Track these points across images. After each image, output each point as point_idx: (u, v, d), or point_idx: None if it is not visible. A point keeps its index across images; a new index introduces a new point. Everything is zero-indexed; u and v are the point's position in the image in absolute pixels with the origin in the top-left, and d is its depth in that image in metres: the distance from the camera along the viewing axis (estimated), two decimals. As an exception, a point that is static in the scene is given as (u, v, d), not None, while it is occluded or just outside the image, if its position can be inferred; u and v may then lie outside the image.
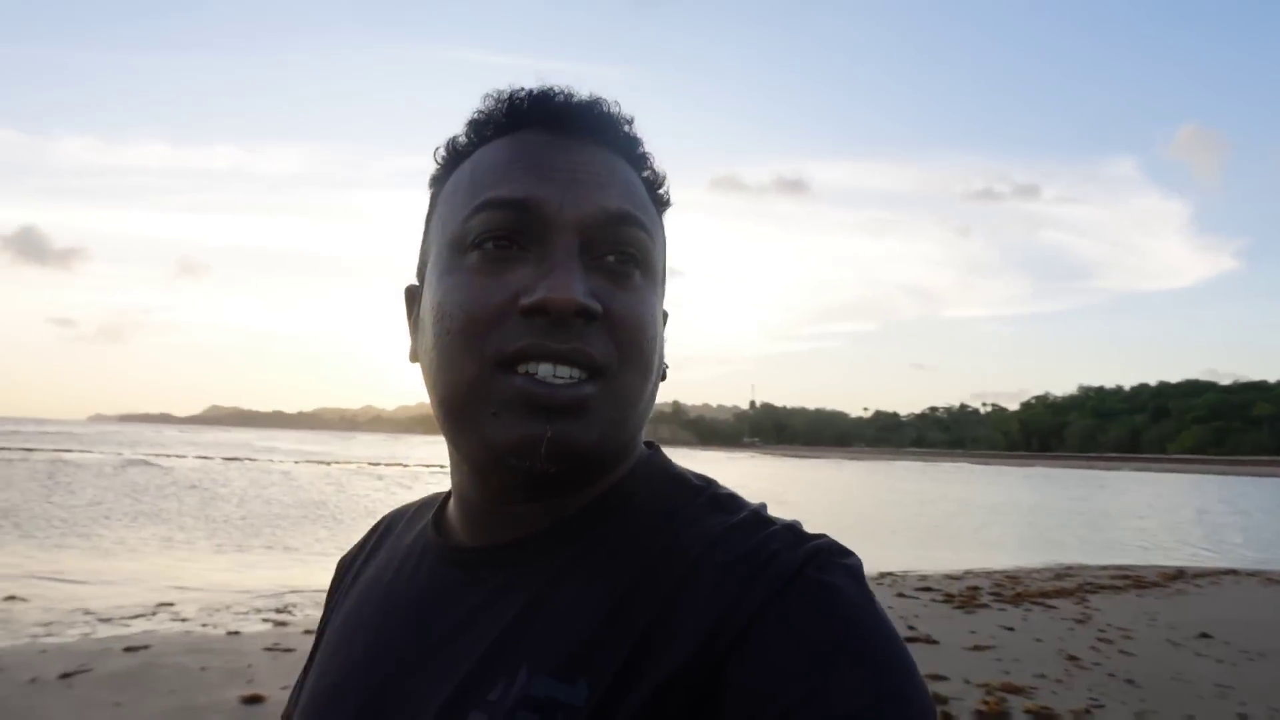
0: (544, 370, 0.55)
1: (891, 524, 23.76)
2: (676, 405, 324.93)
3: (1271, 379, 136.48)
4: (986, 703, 6.01)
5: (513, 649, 0.55)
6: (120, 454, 43.41)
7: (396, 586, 0.67)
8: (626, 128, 0.63)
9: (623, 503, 0.62)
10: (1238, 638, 8.40)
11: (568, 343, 0.55)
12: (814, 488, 42.41)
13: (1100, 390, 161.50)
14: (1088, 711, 5.90)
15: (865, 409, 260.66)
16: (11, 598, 8.54)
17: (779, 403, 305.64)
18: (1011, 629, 8.69)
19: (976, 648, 7.79)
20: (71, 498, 20.45)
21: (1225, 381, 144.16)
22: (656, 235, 0.62)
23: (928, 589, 11.31)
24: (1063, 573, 13.88)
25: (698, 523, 0.59)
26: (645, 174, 0.65)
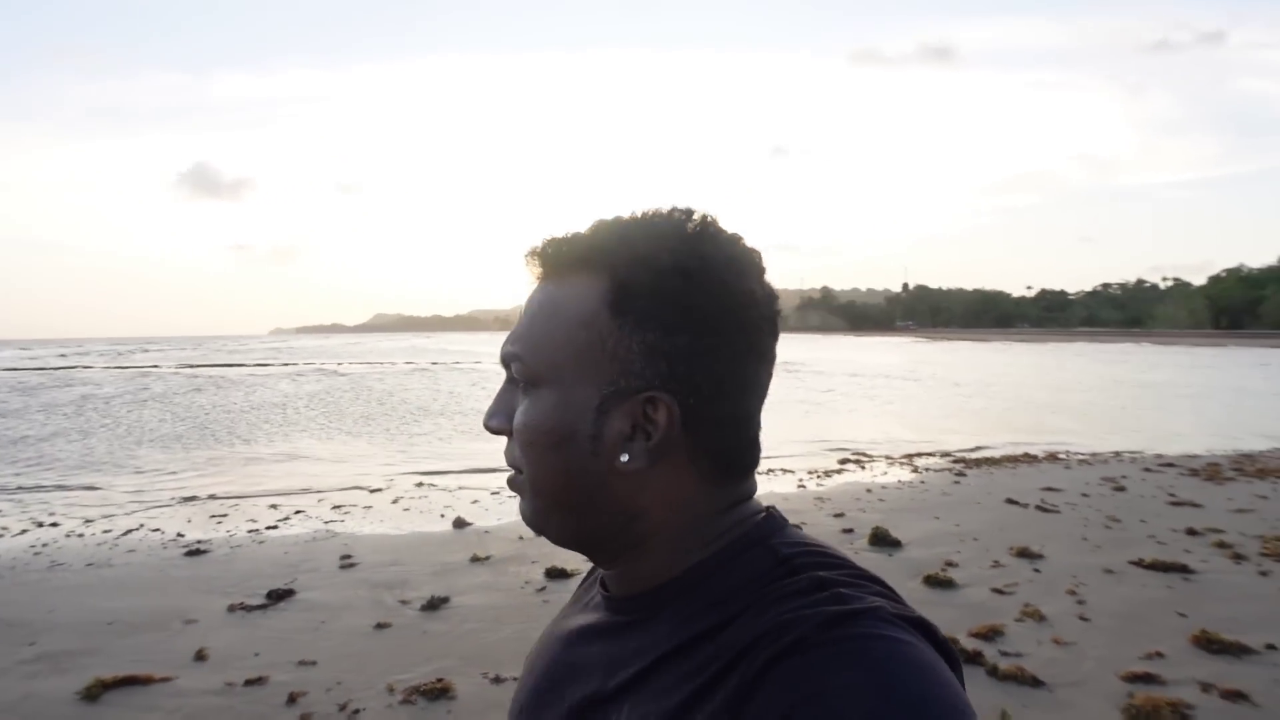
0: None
1: (1084, 407, 24.64)
2: (825, 290, 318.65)
3: None
4: (1266, 547, 7.84)
5: (621, 688, 0.66)
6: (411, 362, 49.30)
7: (572, 617, 0.82)
8: (578, 258, 0.70)
9: (707, 575, 0.68)
10: None
11: (507, 447, 0.73)
12: (973, 369, 42.83)
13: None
14: (1356, 553, 7.62)
15: (1029, 288, 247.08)
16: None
17: (934, 284, 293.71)
18: (1265, 497, 10.30)
19: (1239, 510, 9.51)
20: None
21: None
22: (538, 350, 0.69)
23: (1170, 465, 12.90)
24: (1298, 454, 14.97)
25: (762, 591, 0.64)
26: (609, 283, 0.67)
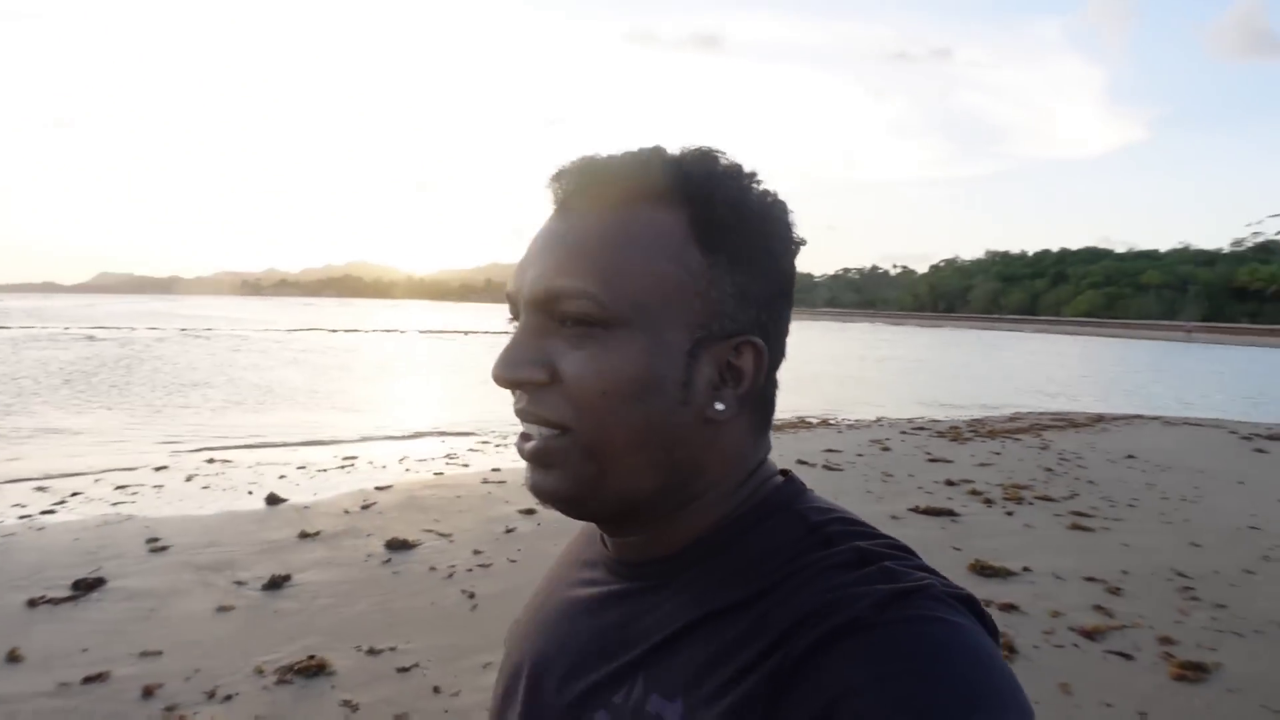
0: (525, 428, 0.64)
1: (843, 379, 27.44)
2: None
3: (1162, 248, 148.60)
4: (1007, 493, 9.33)
5: (634, 661, 0.62)
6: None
7: (573, 586, 0.76)
8: (626, 185, 0.62)
9: (732, 539, 0.64)
10: (1152, 458, 12.11)
11: (521, 404, 0.63)
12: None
13: (1006, 255, 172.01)
14: (1071, 496, 9.29)
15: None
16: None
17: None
18: (998, 453, 12.15)
19: (981, 464, 11.15)
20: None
21: (1120, 249, 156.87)
22: (615, 286, 0.60)
23: (921, 428, 14.79)
24: (1015, 416, 17.71)
25: (798, 562, 0.60)
26: (688, 213, 0.62)
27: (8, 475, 8.97)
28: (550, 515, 7.63)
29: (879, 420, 16.18)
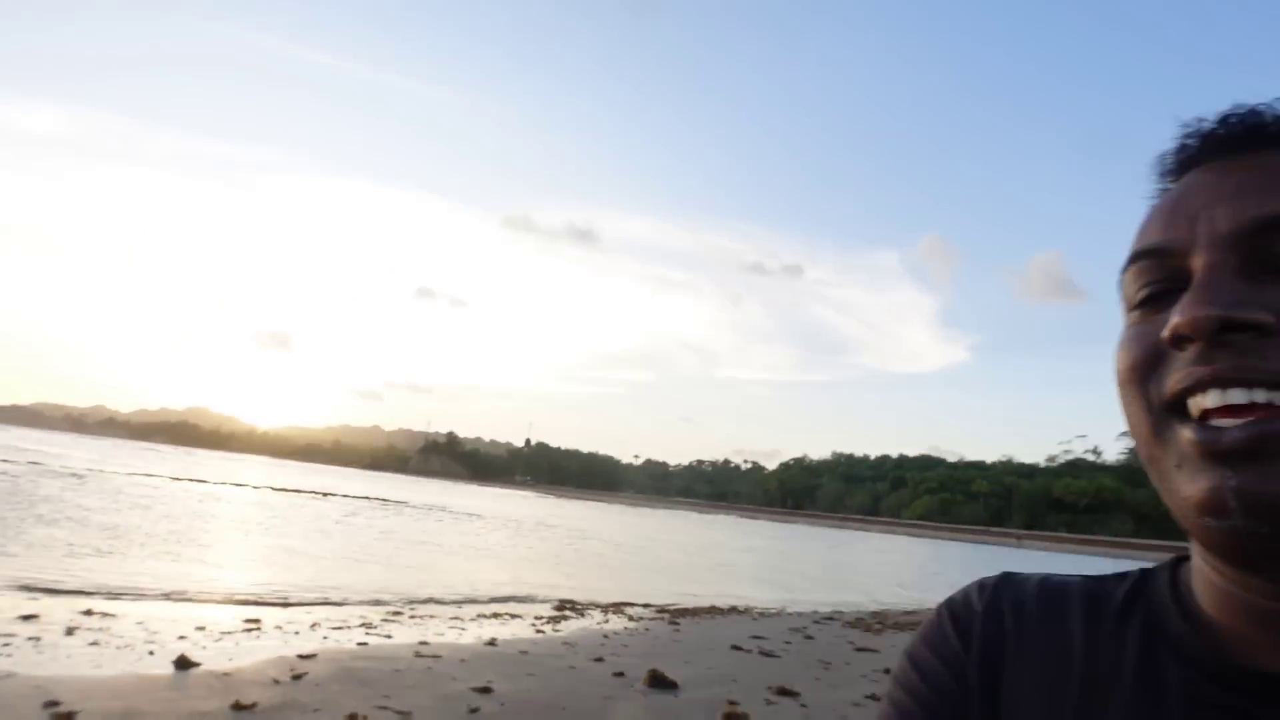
0: (1211, 399, 0.45)
1: (723, 567, 27.36)
2: (451, 436, 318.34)
3: (988, 459, 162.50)
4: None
5: None
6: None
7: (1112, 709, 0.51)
8: None
9: None
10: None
11: (1227, 361, 0.45)
12: (637, 533, 45.65)
13: (850, 457, 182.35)
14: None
15: (636, 456, 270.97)
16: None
17: (554, 442, 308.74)
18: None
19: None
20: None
21: (951, 459, 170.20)
22: None
23: (830, 618, 14.75)
24: (910, 611, 18.01)
25: None
26: None
27: None
28: (515, 694, 6.98)
29: (783, 609, 16.05)
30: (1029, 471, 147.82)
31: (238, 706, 5.67)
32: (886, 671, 9.65)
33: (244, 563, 14.98)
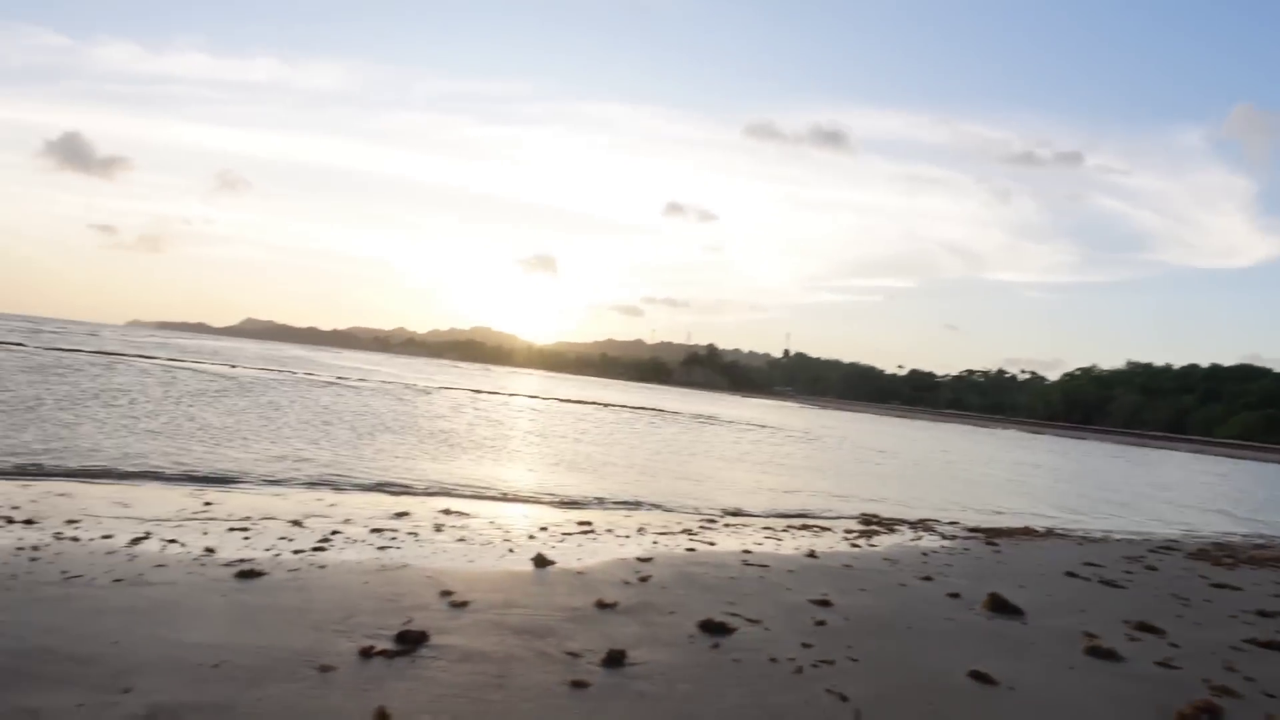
0: None
1: (1025, 485, 25.48)
2: (711, 348, 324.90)
3: None
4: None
5: None
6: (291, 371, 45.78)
7: None
8: None
9: None
10: None
11: None
12: (945, 452, 44.11)
13: (1149, 367, 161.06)
14: None
15: (900, 366, 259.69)
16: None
17: (812, 353, 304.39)
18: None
19: (1275, 595, 9.60)
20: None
21: (1278, 368, 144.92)
22: None
23: (1170, 549, 13.16)
24: (1266, 544, 15.69)
25: None
26: None
27: (261, 511, 8.85)
28: (854, 608, 6.87)
29: (1108, 534, 14.60)
30: None
31: (601, 605, 6.03)
32: (1261, 614, 8.37)
33: (556, 467, 16.25)
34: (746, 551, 8.74)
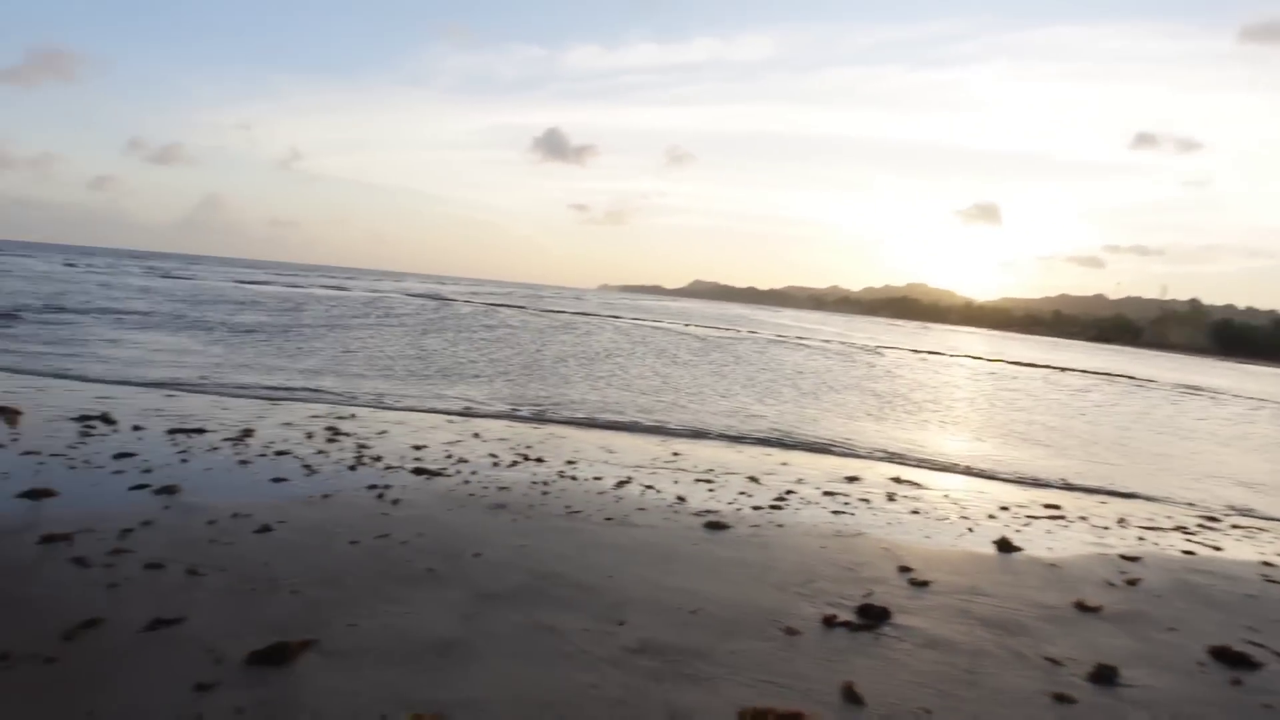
0: None
1: None
2: (1194, 304, 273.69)
3: None
4: None
5: None
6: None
7: None
8: None
9: None
10: None
11: None
12: None
13: None
14: None
15: None
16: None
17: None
18: None
19: None
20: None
21: None
22: None
23: None
24: None
25: None
26: None
27: (721, 464, 9.55)
28: None
29: None
30: None
31: (1082, 607, 5.36)
32: None
33: (1010, 438, 14.95)
34: (1268, 565, 7.12)
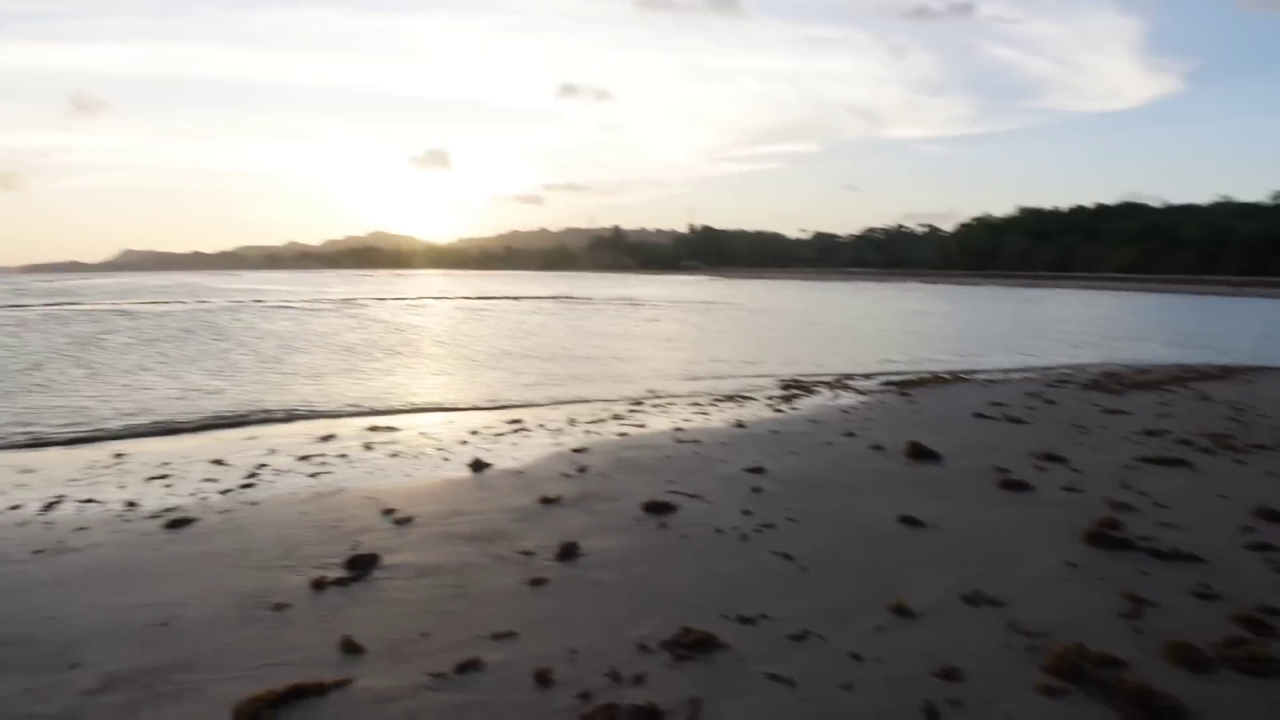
0: None
1: (914, 333, 26.69)
2: (616, 230, 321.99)
3: (1201, 202, 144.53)
4: (1217, 442, 8.67)
5: None
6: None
7: None
8: None
9: None
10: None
11: None
12: (847, 310, 45.30)
13: (1038, 212, 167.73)
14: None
15: (803, 230, 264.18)
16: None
17: (718, 225, 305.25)
18: (1166, 404, 11.50)
19: (1161, 415, 10.57)
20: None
21: (1154, 204, 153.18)
22: None
23: (1065, 381, 14.09)
24: (1146, 369, 17.00)
25: None
26: None
27: (179, 454, 8.51)
28: (787, 471, 7.14)
29: (1009, 374, 15.51)
30: (1250, 211, 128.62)
31: (545, 500, 6.12)
32: (1149, 434, 9.12)
33: (476, 368, 16.08)
34: (678, 429, 8.96)
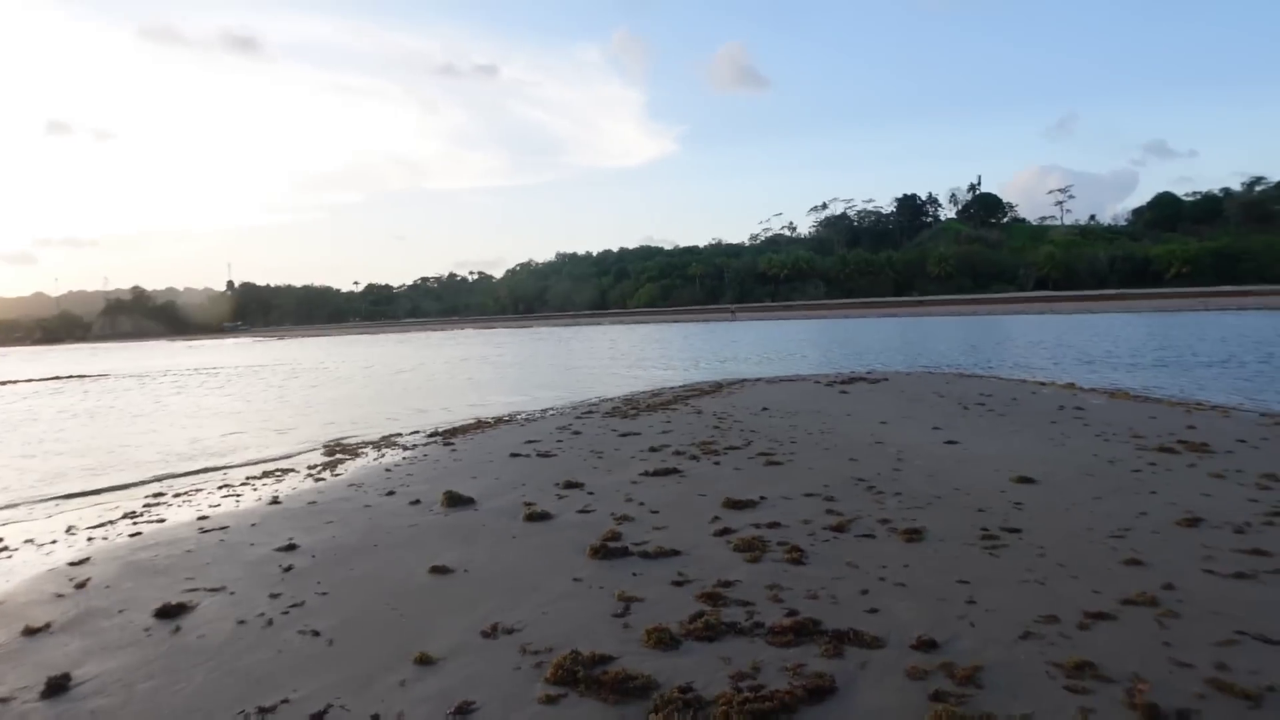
0: None
1: (464, 381, 28.02)
2: (137, 290, 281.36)
3: (700, 244, 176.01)
4: (703, 449, 10.68)
5: None
6: None
7: None
8: None
9: None
10: (780, 408, 14.63)
11: None
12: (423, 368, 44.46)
13: (574, 256, 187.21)
14: (748, 444, 10.94)
15: (356, 283, 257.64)
16: None
17: (261, 281, 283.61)
18: (669, 422, 13.67)
19: (664, 432, 12.53)
20: None
21: (667, 246, 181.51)
22: None
23: (590, 413, 15.91)
24: (656, 392, 19.78)
25: None
26: None
27: None
28: (322, 543, 7.06)
29: (545, 411, 17.00)
30: (736, 251, 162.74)
31: (30, 631, 5.30)
32: (653, 450, 10.82)
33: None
34: (203, 518, 8.30)
